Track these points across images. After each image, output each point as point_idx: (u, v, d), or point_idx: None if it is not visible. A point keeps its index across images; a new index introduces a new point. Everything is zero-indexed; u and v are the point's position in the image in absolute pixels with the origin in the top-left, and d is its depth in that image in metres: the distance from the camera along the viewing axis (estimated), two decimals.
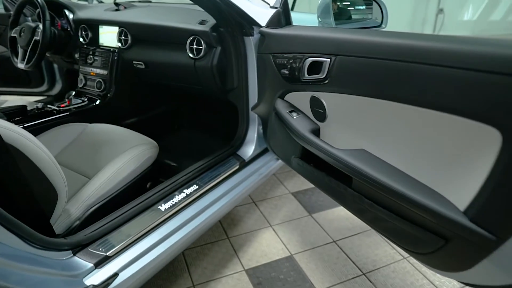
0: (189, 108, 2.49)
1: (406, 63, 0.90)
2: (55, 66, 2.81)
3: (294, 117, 1.43)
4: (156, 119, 2.31)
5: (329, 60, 1.18)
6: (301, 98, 1.39)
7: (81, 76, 2.13)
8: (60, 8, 2.19)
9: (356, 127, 1.15)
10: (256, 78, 1.68)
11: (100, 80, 2.03)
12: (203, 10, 1.61)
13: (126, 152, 1.49)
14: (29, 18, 2.46)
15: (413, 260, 1.76)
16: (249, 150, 1.85)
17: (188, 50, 1.73)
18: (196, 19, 1.76)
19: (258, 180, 1.83)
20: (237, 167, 1.75)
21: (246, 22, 1.59)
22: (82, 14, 2.15)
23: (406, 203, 0.93)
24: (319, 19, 1.51)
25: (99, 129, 1.71)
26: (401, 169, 1.00)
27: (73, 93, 1.95)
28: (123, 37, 1.96)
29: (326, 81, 1.21)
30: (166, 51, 1.84)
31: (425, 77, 0.86)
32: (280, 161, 2.04)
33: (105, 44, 2.09)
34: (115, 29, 2.00)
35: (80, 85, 2.14)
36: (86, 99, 2.06)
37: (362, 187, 1.10)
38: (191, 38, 1.71)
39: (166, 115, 2.38)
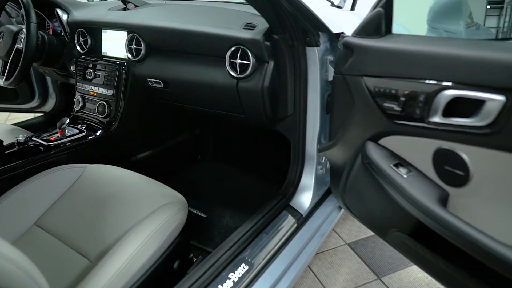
0: (215, 132, 1.99)
1: None
2: (48, 77, 2.31)
3: (405, 176, 0.92)
4: (174, 150, 1.81)
5: (501, 98, 0.69)
6: (414, 147, 0.91)
7: (78, 96, 1.63)
8: (52, 7, 1.69)
9: None
10: (318, 104, 1.23)
11: (103, 102, 1.53)
12: (242, 9, 1.14)
13: (146, 220, 0.99)
14: (14, 20, 1.96)
15: None
16: (305, 199, 1.38)
17: (228, 66, 1.24)
18: (238, 22, 1.26)
19: (320, 243, 1.34)
20: (294, 226, 1.26)
21: (312, 27, 1.09)
22: (80, 15, 1.65)
23: None
24: (432, 23, 1.00)
25: (103, 175, 1.21)
26: None
27: (67, 120, 1.46)
28: (134, 46, 1.46)
29: (488, 132, 0.72)
30: (195, 66, 1.34)
31: None
32: (342, 211, 1.53)
33: (110, 54, 1.59)
34: (123, 35, 1.50)
35: (76, 108, 1.64)
36: (84, 128, 1.56)
37: None
38: (233, 49, 1.22)
39: (187, 143, 1.88)
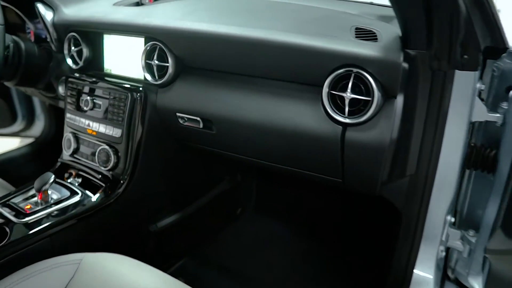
0: (259, 176, 1.45)
1: None
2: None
3: None
4: (208, 207, 1.26)
5: None
6: None
7: (68, 135, 1.09)
8: (31, 1, 1.14)
9: None
10: (458, 159, 0.76)
11: (107, 147, 0.99)
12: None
13: None
14: None
15: None
16: None
17: (327, 102, 0.72)
18: (340, 27, 0.75)
19: None
20: None
21: (481, 37, 0.66)
22: (71, 13, 1.10)
23: None
24: None
25: (108, 274, 0.69)
26: None
27: (51, 178, 0.92)
28: (155, 61, 0.91)
29: None
30: (262, 99, 0.82)
31: None
32: None
33: (116, 72, 1.05)
34: (138, 43, 0.96)
35: (67, 152, 1.10)
36: (78, 185, 1.02)
37: None
38: (339, 73, 0.69)
39: (225, 195, 1.33)
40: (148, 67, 0.94)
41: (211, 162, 1.22)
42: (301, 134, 0.77)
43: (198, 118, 0.90)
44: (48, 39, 1.18)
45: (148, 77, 0.94)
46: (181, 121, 0.93)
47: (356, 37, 0.71)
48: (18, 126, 1.87)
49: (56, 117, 1.82)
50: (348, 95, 0.69)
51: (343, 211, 1.35)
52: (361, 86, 0.69)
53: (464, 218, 0.91)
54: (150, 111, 0.97)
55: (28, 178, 1.68)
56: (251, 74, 0.82)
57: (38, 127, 1.88)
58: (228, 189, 1.31)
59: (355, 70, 0.68)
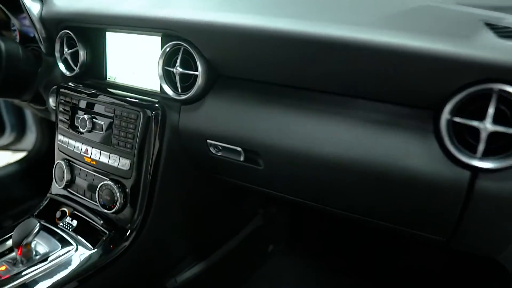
0: (293, 208, 1.20)
1: None
2: None
3: None
4: (238, 250, 1.00)
5: None
6: None
7: (60, 162, 0.83)
8: None
9: None
10: None
11: (110, 184, 0.73)
12: None
13: None
14: None
15: None
16: None
17: (446, 135, 0.46)
18: (466, 23, 0.47)
19: None
20: None
21: None
22: (64, 3, 0.85)
23: None
24: None
25: None
26: None
27: (36, 227, 0.67)
28: (178, 68, 0.66)
29: None
30: (339, 124, 0.55)
31: None
32: None
33: (123, 81, 0.80)
34: (153, 43, 0.71)
35: (58, 185, 0.84)
36: (71, 230, 0.77)
37: None
38: (473, 92, 0.42)
39: (257, 232, 1.07)
40: (168, 76, 0.69)
41: (243, 193, 0.97)
42: (398, 178, 0.52)
43: (239, 148, 0.64)
44: (36, 36, 0.93)
45: (168, 90, 0.69)
46: (213, 151, 0.68)
47: (501, 37, 0.45)
48: (6, 138, 1.62)
49: (50, 129, 1.57)
50: (488, 126, 0.44)
51: (383, 246, 1.10)
52: (507, 113, 0.44)
53: None
54: (170, 135, 0.71)
55: (16, 202, 1.43)
56: (323, 89, 0.57)
57: (30, 139, 1.63)
58: (261, 225, 1.05)
59: (498, 87, 0.43)
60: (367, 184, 0.55)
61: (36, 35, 0.93)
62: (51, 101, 0.94)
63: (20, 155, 1.59)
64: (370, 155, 0.53)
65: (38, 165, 1.54)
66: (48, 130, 1.54)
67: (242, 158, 0.65)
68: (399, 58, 0.47)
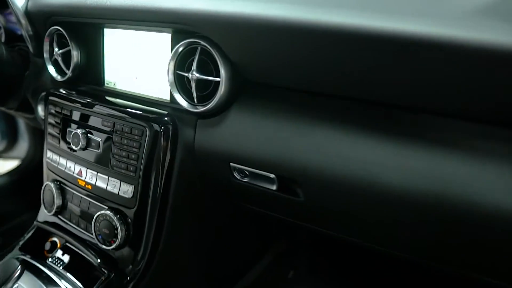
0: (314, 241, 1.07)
1: None
2: None
3: None
4: (258, 280, 0.87)
5: None
6: None
7: (49, 184, 0.69)
8: None
9: None
10: None
11: (109, 214, 0.59)
12: None
13: None
14: None
15: None
16: None
17: None
18: None
19: None
20: None
21: None
22: None
23: None
24: None
25: None
26: None
27: (17, 270, 0.53)
28: (195, 73, 0.52)
29: None
30: (408, 147, 0.41)
31: None
32: None
33: (123, 88, 0.66)
34: (161, 40, 0.57)
35: (48, 211, 0.70)
36: (62, 268, 0.64)
37: None
38: None
39: (277, 260, 0.93)
40: (181, 83, 0.55)
41: (259, 220, 0.83)
42: (483, 215, 0.39)
43: (272, 175, 0.50)
44: (24, 36, 0.80)
45: (181, 100, 0.55)
46: (238, 176, 0.54)
47: None
48: None
49: (43, 137, 1.43)
50: None
51: (411, 278, 0.96)
52: None
53: None
54: (183, 156, 0.58)
55: (5, 218, 1.29)
56: (386, 100, 0.43)
57: (22, 147, 1.50)
58: (283, 251, 0.91)
59: None
60: (440, 221, 0.42)
61: (23, 33, 0.79)
62: (40, 110, 0.81)
63: (11, 165, 1.45)
64: (448, 187, 0.39)
65: (30, 177, 1.41)
66: (41, 138, 1.40)
67: (275, 187, 0.51)
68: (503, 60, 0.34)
